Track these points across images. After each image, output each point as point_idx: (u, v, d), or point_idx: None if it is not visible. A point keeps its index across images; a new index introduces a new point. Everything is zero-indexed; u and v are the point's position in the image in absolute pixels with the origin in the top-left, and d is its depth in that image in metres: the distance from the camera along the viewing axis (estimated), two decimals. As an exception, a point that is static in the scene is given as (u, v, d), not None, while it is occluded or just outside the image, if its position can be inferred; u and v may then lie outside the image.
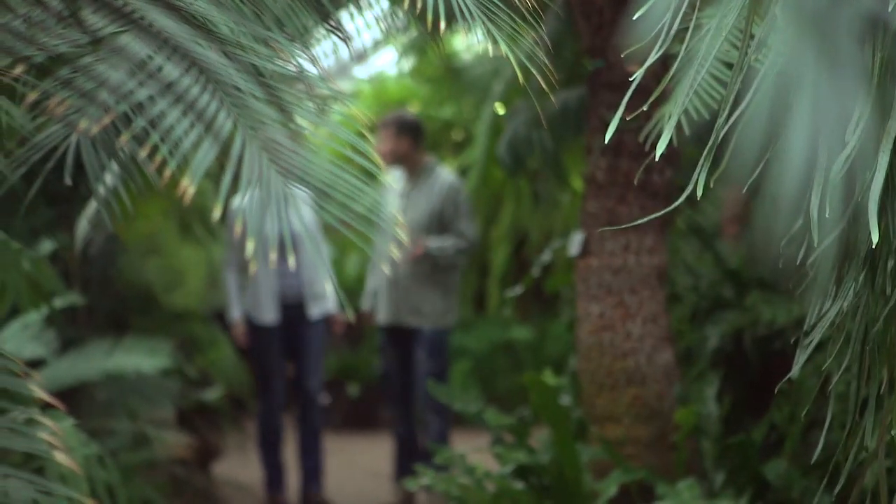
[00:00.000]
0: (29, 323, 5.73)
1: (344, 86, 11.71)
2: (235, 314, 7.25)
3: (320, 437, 7.44)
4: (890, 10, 1.75)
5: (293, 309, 7.20)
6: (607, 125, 1.97)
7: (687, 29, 2.08)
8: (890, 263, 2.25)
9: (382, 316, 7.22)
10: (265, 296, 7.11)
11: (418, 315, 7.02)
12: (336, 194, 1.96)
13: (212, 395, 8.10)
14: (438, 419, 6.98)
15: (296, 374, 7.40)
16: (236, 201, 7.12)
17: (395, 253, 6.79)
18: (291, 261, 6.96)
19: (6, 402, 3.32)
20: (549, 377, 4.53)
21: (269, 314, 7.14)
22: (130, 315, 8.97)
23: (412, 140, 7.03)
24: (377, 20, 3.85)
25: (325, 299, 7.31)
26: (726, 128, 1.85)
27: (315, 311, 7.26)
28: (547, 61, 2.61)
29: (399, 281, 7.00)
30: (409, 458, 7.10)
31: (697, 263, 5.98)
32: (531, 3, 2.62)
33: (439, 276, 7.01)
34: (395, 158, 7.04)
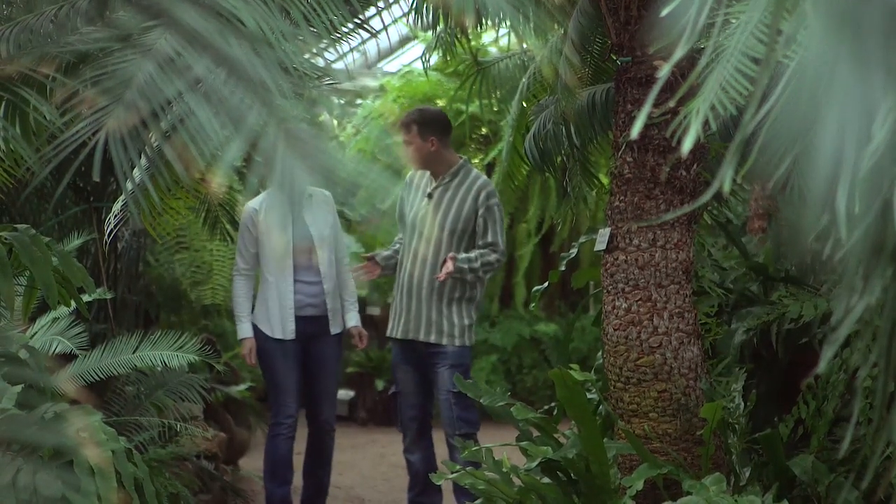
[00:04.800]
0: (58, 318, 5.77)
1: (371, 81, 11.72)
2: (245, 330, 6.60)
3: (328, 465, 6.86)
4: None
5: (310, 323, 6.61)
6: (634, 120, 1.96)
7: (714, 24, 2.08)
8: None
9: (396, 329, 6.51)
10: (278, 307, 6.52)
11: (439, 333, 6.33)
12: (362, 192, 1.97)
13: (239, 390, 8.13)
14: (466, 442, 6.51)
15: (308, 397, 6.77)
16: (252, 202, 6.91)
17: (421, 257, 6.48)
18: (321, 265, 6.45)
19: (36, 397, 3.34)
20: (575, 372, 4.51)
21: (281, 327, 6.55)
22: (158, 310, 9.03)
23: (438, 138, 6.29)
24: (405, 15, 3.85)
25: (343, 313, 6.77)
26: (754, 123, 1.85)
27: (334, 326, 6.68)
28: (574, 57, 2.61)
29: (416, 293, 6.39)
30: (423, 492, 6.62)
31: (724, 258, 5.96)
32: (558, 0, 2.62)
33: (464, 293, 6.35)
34: (424, 161, 6.35)
